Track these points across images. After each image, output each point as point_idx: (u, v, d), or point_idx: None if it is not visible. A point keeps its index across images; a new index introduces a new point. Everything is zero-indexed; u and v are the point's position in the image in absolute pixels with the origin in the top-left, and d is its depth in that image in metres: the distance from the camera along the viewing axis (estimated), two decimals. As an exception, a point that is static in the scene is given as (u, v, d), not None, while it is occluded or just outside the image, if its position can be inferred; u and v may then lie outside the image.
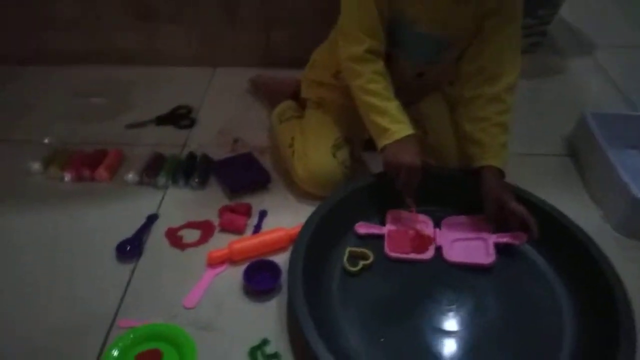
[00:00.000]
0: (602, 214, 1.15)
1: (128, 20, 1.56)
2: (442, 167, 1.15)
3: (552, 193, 1.09)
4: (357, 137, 1.19)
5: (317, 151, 1.11)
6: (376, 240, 1.03)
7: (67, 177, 1.18)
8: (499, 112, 1.03)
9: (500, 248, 1.01)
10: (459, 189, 1.08)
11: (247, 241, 1.02)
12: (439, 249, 1.03)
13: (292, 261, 0.91)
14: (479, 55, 1.03)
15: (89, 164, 1.19)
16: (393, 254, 1.00)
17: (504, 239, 1.03)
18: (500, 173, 1.02)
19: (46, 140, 1.28)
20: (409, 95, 1.11)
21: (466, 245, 1.04)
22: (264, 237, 1.03)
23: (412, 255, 1.01)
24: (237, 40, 1.60)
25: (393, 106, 1.01)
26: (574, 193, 1.21)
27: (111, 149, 1.25)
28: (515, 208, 0.97)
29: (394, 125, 1.00)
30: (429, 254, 1.01)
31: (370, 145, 1.23)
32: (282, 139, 1.19)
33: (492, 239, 1.02)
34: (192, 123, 1.39)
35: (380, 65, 1.02)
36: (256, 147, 1.29)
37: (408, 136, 1.00)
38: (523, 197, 1.03)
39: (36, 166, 1.20)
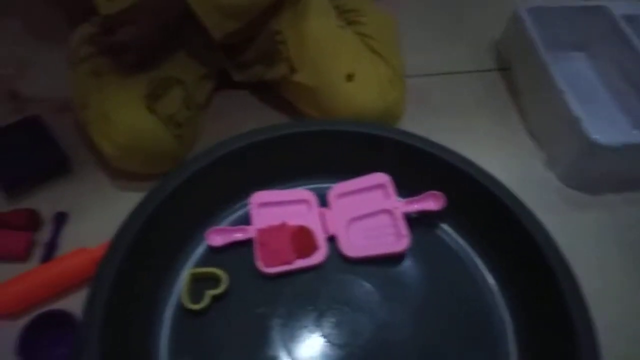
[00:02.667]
0: (545, 158, 0.86)
1: None
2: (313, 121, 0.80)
3: (474, 130, 0.85)
4: (191, 73, 0.80)
5: (122, 109, 0.71)
6: (237, 249, 0.69)
7: None
8: None
9: (411, 219, 0.71)
10: (340, 145, 0.75)
11: (23, 280, 0.64)
12: (332, 240, 0.71)
13: (87, 310, 0.56)
14: None
15: None
16: (270, 270, 0.67)
17: (416, 205, 0.72)
18: None
19: None
20: None
21: (368, 226, 0.72)
22: (52, 269, 0.65)
23: (298, 264, 0.68)
24: None
25: None
26: (505, 127, 0.90)
27: None
28: None
29: None
30: (321, 253, 0.69)
31: (227, 80, 0.85)
32: (75, 96, 0.76)
33: (401, 207, 0.71)
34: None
35: None
36: (53, 101, 0.84)
37: None
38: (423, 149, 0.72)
39: None
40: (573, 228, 0.77)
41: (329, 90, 0.78)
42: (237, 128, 0.74)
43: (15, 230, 0.69)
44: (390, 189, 0.73)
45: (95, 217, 0.74)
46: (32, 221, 0.71)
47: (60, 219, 0.73)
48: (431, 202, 0.72)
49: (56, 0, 0.97)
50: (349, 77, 0.77)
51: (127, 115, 0.70)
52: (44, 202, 0.74)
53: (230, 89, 0.90)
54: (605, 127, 0.85)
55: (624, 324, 0.69)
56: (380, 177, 0.74)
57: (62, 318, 0.62)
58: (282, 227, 0.71)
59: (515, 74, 0.96)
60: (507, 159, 0.85)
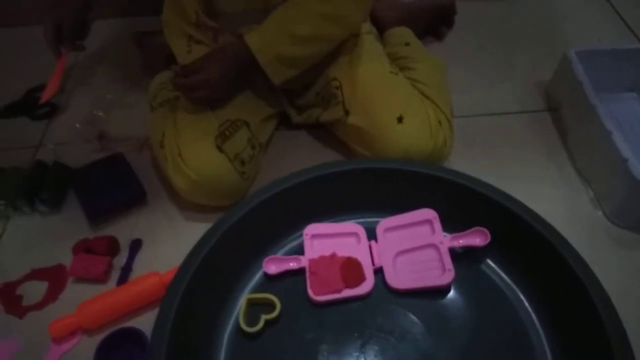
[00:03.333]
0: (592, 196, 0.87)
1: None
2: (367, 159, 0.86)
3: (522, 169, 0.87)
4: (256, 115, 0.88)
5: (194, 148, 0.79)
6: (290, 277, 0.75)
7: None
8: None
9: (456, 254, 0.75)
10: (390, 182, 0.80)
11: (103, 300, 0.72)
12: (380, 272, 0.75)
13: (155, 330, 0.63)
14: None
15: None
16: (320, 298, 0.72)
17: (461, 240, 0.75)
18: None
19: None
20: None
21: (414, 259, 0.76)
22: (128, 290, 0.74)
23: (346, 293, 0.73)
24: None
25: None
26: (553, 165, 0.92)
27: None
28: None
29: None
30: (368, 284, 0.73)
31: (286, 120, 0.92)
32: (153, 135, 0.86)
33: (446, 242, 0.75)
34: (52, 111, 1.04)
35: None
36: (134, 140, 0.95)
37: None
38: (468, 187, 0.76)
39: None
40: (621, 267, 0.77)
41: (380, 131, 0.83)
42: (294, 165, 0.80)
43: (97, 255, 0.78)
44: (437, 224, 0.77)
45: (166, 244, 0.82)
46: (112, 247, 0.80)
47: (136, 245, 0.82)
48: (476, 238, 0.75)
49: (140, 50, 1.10)
50: (400, 119, 0.82)
51: (198, 153, 0.79)
52: (123, 229, 0.83)
53: (289, 129, 0.97)
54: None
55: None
56: (428, 213, 0.78)
57: (134, 335, 0.69)
58: (333, 257, 0.76)
59: (564, 115, 0.97)
60: (556, 198, 0.86)
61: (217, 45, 0.85)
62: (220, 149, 0.79)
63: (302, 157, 0.93)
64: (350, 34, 0.84)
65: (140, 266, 0.80)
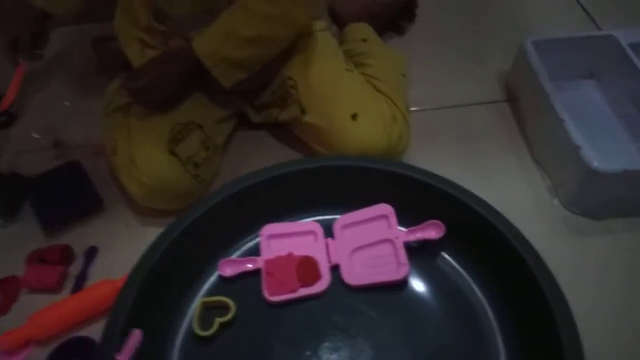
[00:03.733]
0: (549, 185, 0.87)
1: None
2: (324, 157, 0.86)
3: (481, 160, 0.87)
4: (210, 116, 0.87)
5: (146, 153, 0.78)
6: (247, 278, 0.74)
7: None
8: None
9: (412, 248, 0.75)
10: (346, 179, 0.79)
11: (54, 310, 0.71)
12: (336, 269, 0.75)
13: (104, 338, 0.62)
14: None
15: None
16: (275, 298, 0.72)
17: (417, 234, 0.75)
18: None
19: None
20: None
21: (370, 255, 0.75)
22: (80, 299, 0.73)
23: (301, 292, 0.72)
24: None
25: None
26: (512, 155, 0.92)
27: None
28: None
29: None
30: (324, 282, 0.73)
31: (247, 120, 0.92)
32: (107, 141, 0.85)
33: (402, 236, 0.74)
34: (9, 120, 1.03)
35: None
36: (90, 147, 0.94)
37: None
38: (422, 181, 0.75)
39: None
40: (577, 253, 0.77)
41: (335, 129, 0.83)
42: (254, 166, 0.80)
43: (50, 264, 0.77)
44: (393, 219, 0.76)
45: (123, 251, 0.81)
46: (66, 256, 0.79)
47: (91, 253, 0.81)
48: (431, 231, 0.75)
49: (98, 56, 1.09)
50: (354, 117, 0.82)
51: (150, 158, 0.78)
52: (78, 238, 0.82)
53: (249, 129, 0.97)
54: (613, 153, 0.86)
55: (632, 349, 0.68)
56: (384, 208, 0.78)
57: (86, 344, 0.68)
58: (289, 257, 0.75)
59: (521, 105, 0.97)
60: (514, 187, 0.86)
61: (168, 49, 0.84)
62: (172, 152, 0.79)
63: (262, 157, 0.91)
64: (297, 34, 0.83)
65: (96, 274, 0.79)
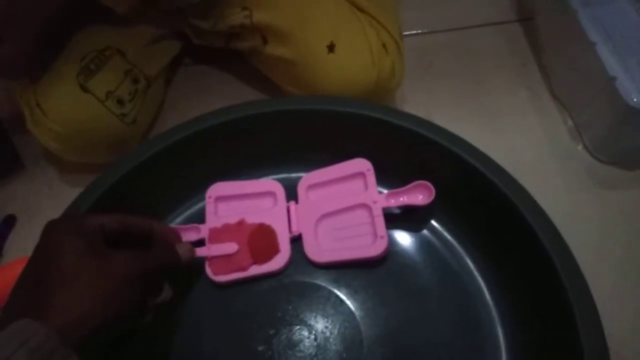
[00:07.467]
0: (571, 126, 0.70)
1: None
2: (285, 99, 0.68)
3: (487, 96, 0.72)
4: (136, 39, 0.70)
5: (52, 93, 0.62)
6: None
7: None
8: None
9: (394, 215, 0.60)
10: (314, 127, 0.63)
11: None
12: (298, 242, 0.60)
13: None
14: None
15: None
16: (221, 278, 0.58)
17: (400, 198, 0.59)
18: None
19: None
20: None
21: (341, 224, 0.60)
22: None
23: (254, 270, 0.58)
24: None
25: None
26: (525, 89, 0.75)
27: None
28: None
29: None
30: (282, 258, 0.58)
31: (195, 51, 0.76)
32: (16, 90, 0.68)
33: (381, 201, 0.59)
34: None
35: None
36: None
37: None
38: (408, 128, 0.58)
39: None
40: (602, 209, 0.63)
41: (306, 63, 0.66)
42: (204, 108, 0.63)
43: (-46, 237, 0.63)
44: (371, 178, 0.60)
45: (47, 218, 0.67)
46: (-28, 227, 0.65)
47: (7, 223, 0.67)
48: (419, 195, 0.59)
49: None
50: (330, 48, 0.65)
51: (57, 99, 0.62)
52: (-8, 202, 0.68)
53: (199, 63, 0.79)
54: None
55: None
56: (360, 164, 0.62)
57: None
58: (240, 225, 0.60)
59: (538, 26, 0.80)
60: (527, 130, 0.71)
61: None
62: (84, 88, 0.63)
63: (214, 97, 0.76)
64: None
65: (16, 248, 0.66)
